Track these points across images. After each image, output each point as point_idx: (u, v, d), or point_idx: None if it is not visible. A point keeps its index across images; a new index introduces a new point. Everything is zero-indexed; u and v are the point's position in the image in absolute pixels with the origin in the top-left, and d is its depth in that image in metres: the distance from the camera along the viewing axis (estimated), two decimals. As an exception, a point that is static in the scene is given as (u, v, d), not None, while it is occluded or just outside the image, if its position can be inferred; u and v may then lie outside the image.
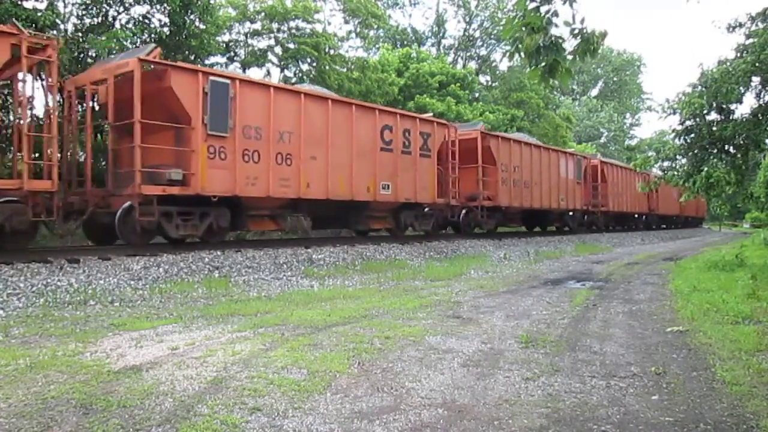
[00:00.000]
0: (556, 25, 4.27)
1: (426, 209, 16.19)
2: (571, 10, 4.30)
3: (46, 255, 8.86)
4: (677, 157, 12.70)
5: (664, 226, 36.86)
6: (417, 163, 14.88)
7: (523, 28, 4.27)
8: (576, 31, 4.31)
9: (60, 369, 4.23)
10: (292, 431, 3.21)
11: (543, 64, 4.28)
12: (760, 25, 11.03)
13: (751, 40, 11.11)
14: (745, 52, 11.11)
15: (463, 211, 17.90)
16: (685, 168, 12.35)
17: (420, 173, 14.96)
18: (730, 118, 11.58)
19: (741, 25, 11.28)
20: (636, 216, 31.87)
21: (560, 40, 4.26)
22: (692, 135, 11.86)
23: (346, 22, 31.35)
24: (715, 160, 12.04)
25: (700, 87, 11.53)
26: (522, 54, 4.36)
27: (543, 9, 4.26)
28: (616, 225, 29.70)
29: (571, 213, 24.01)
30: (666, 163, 13.40)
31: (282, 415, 3.41)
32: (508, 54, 4.52)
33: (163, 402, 3.57)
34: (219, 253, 10.60)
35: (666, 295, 8.58)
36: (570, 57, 4.39)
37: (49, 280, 7.88)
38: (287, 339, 5.31)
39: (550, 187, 21.34)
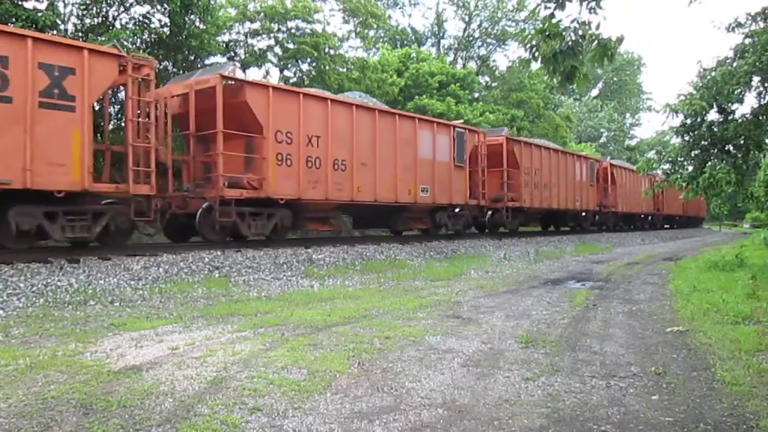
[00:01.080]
0: (579, 34, 4.29)
1: (105, 202, 9.89)
2: (591, 16, 4.33)
3: (46, 255, 8.86)
4: (679, 159, 12.69)
5: (633, 227, 30.46)
6: (29, 120, 8.26)
7: (539, 36, 4.30)
8: (593, 37, 4.33)
9: (60, 369, 4.23)
10: (292, 431, 3.21)
11: (561, 69, 4.30)
12: (761, 25, 11.02)
13: (749, 40, 11.11)
14: (745, 53, 11.11)
15: (203, 206, 11.26)
16: (689, 171, 12.35)
17: (38, 138, 8.38)
18: (731, 118, 11.59)
19: (741, 25, 11.28)
20: (583, 214, 24.77)
21: (578, 45, 4.28)
22: (693, 134, 11.86)
23: (346, 22, 31.38)
24: (716, 160, 12.05)
25: (701, 88, 11.52)
26: (539, 61, 4.38)
27: (566, 19, 4.28)
28: (551, 225, 23.97)
29: (457, 209, 17.23)
30: (668, 165, 13.37)
31: (282, 415, 3.41)
32: (524, 61, 4.53)
33: (163, 402, 3.57)
34: (219, 253, 10.60)
35: (666, 295, 8.58)
36: (587, 62, 4.42)
37: (49, 280, 7.88)
38: (287, 339, 5.31)
39: (397, 173, 14.46)
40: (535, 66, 4.63)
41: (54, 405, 3.49)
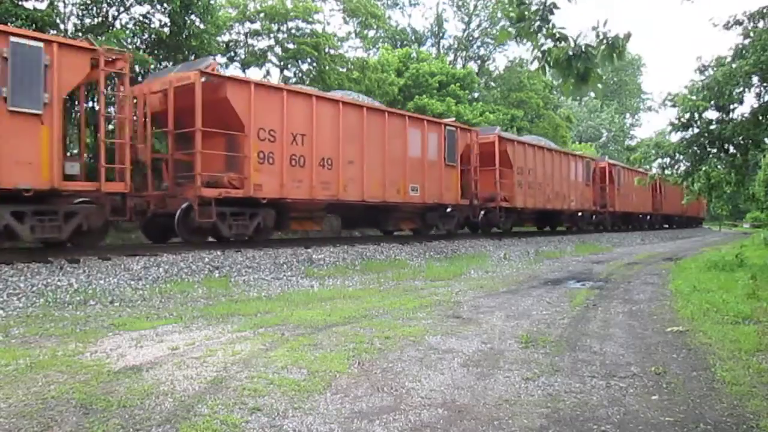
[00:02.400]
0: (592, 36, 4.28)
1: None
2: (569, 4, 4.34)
3: (46, 255, 8.85)
4: (676, 154, 12.65)
5: (565, 228, 23.49)
6: None
7: (549, 40, 4.31)
8: (601, 36, 4.33)
9: (60, 369, 4.23)
10: (292, 431, 3.21)
11: (575, 72, 4.30)
12: (760, 24, 11.00)
13: (748, 40, 11.09)
14: (744, 52, 11.09)
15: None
16: (686, 167, 12.34)
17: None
18: (730, 117, 11.58)
19: (739, 23, 11.25)
20: (448, 209, 16.98)
21: (591, 48, 4.28)
22: (691, 131, 11.84)
23: (346, 23, 31.40)
24: (715, 159, 12.05)
25: (701, 88, 11.49)
26: (550, 66, 4.38)
27: (533, 7, 4.30)
28: (378, 225, 16.03)
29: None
30: (665, 160, 13.32)
31: (282, 415, 3.41)
32: (538, 68, 4.51)
33: (163, 402, 3.57)
34: (219, 253, 10.60)
35: (666, 295, 8.58)
36: (600, 62, 4.43)
37: (49, 280, 7.88)
38: (287, 339, 5.31)
39: None
40: (535, 66, 4.62)
41: (54, 405, 3.49)
